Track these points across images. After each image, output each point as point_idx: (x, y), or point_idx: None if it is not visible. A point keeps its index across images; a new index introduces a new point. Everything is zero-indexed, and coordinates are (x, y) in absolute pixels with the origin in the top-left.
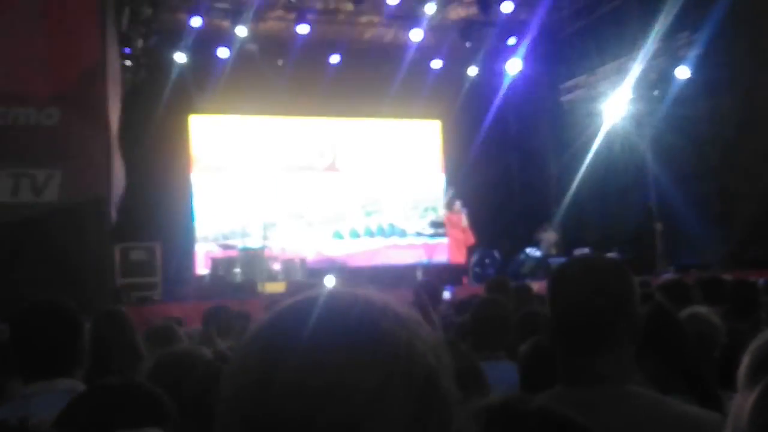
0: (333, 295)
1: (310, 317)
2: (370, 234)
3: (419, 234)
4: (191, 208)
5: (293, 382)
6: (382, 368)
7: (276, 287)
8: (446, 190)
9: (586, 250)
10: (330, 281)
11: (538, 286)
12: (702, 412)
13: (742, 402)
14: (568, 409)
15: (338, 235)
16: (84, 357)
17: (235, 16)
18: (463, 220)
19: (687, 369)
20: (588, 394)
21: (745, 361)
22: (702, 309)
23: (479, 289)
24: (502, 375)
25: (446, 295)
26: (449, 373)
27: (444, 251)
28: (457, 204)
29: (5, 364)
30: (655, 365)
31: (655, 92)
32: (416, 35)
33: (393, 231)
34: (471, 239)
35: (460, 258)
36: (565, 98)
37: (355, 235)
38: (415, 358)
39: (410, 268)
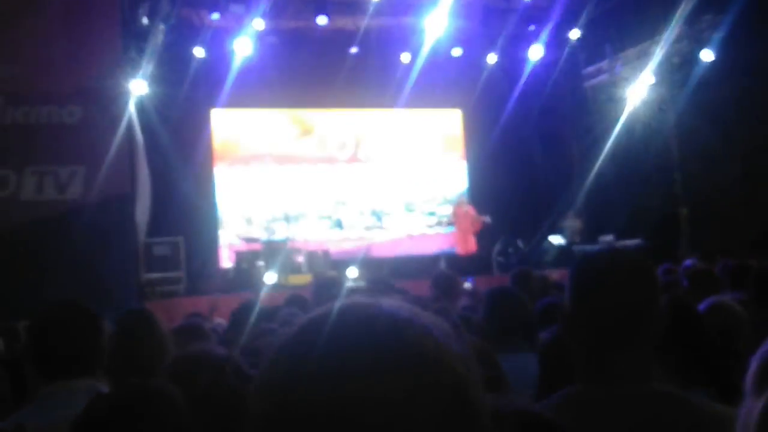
0: (358, 305)
1: (335, 329)
2: (393, 224)
3: (441, 224)
4: (214, 201)
5: (318, 394)
6: (409, 379)
7: (300, 279)
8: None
9: (610, 237)
10: (353, 273)
11: (561, 274)
12: (726, 410)
13: (750, 409)
14: (588, 408)
15: (360, 226)
16: (104, 357)
17: (254, 10)
18: (471, 212)
19: (708, 362)
20: (609, 393)
21: (753, 366)
22: (726, 299)
23: (502, 279)
24: (521, 366)
25: (467, 285)
26: (479, 384)
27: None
28: (464, 199)
29: (27, 364)
30: (676, 359)
31: (679, 76)
32: (436, 23)
33: (415, 221)
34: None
35: (470, 248)
36: (587, 84)
37: (376, 225)
38: (443, 368)
39: (433, 258)
